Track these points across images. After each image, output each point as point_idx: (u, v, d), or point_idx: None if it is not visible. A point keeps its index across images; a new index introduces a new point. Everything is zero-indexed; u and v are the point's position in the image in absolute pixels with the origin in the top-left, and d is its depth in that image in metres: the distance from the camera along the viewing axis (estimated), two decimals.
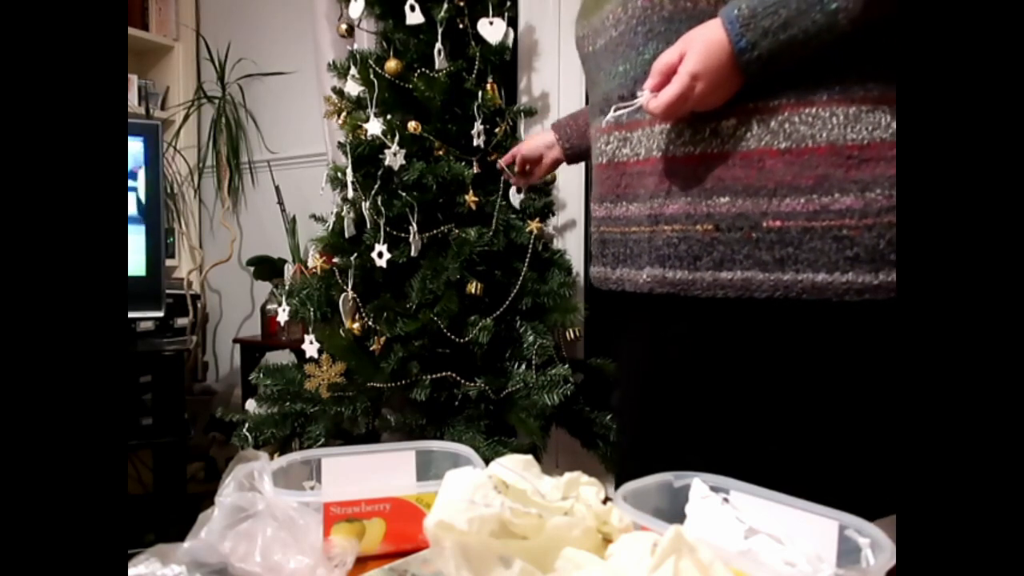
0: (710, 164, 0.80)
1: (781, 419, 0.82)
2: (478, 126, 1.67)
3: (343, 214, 1.68)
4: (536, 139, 1.33)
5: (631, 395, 1.02)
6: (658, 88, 0.78)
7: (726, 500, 0.62)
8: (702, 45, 0.75)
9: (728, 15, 0.74)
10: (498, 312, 1.61)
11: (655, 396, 0.94)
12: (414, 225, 1.60)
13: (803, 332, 0.79)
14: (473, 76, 1.69)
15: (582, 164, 2.01)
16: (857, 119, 0.75)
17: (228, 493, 0.63)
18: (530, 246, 1.67)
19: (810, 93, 0.76)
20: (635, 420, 1.01)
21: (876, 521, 0.55)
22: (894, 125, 0.75)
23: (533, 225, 1.66)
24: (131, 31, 2.70)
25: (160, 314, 1.67)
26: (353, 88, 1.73)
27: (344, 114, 1.73)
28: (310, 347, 1.65)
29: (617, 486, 0.69)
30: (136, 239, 1.61)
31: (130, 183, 1.60)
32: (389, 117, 1.66)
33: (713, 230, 0.80)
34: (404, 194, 1.61)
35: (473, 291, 1.56)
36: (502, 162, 1.43)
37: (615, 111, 0.88)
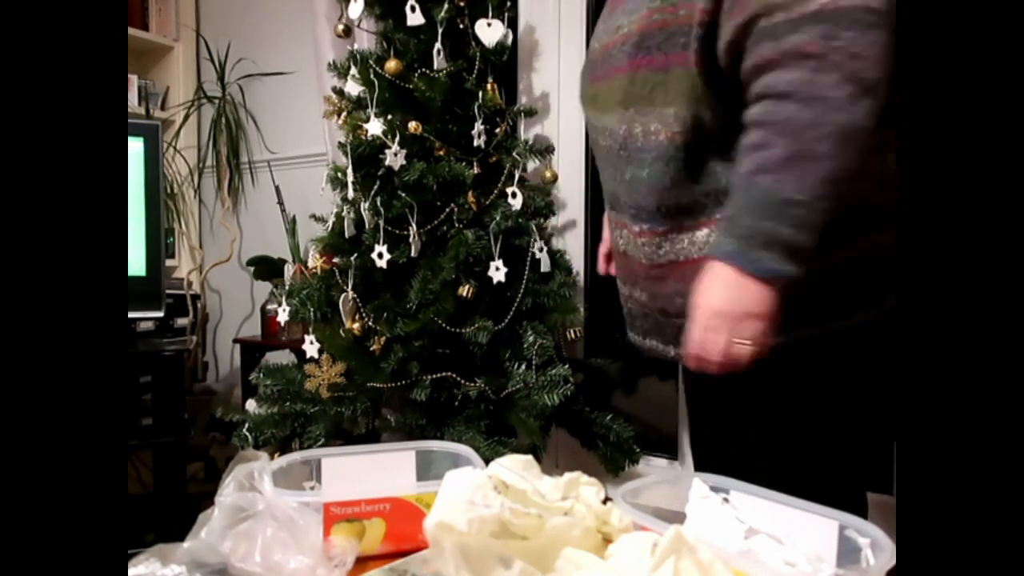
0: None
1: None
2: (478, 126, 1.67)
3: (343, 214, 1.68)
4: None
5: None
6: None
7: (726, 500, 0.62)
8: None
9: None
10: (506, 320, 1.61)
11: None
12: (414, 225, 1.60)
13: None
14: (473, 76, 1.69)
15: (582, 166, 2.03)
16: None
17: (228, 493, 0.63)
18: (540, 247, 1.67)
19: None
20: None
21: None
22: None
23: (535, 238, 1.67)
24: (131, 31, 2.69)
25: (160, 314, 1.67)
26: (353, 88, 1.73)
27: (344, 114, 1.73)
28: (310, 347, 1.65)
29: None
30: (136, 239, 1.61)
31: (130, 183, 1.60)
32: (389, 117, 1.66)
33: None
34: (404, 194, 1.60)
35: (464, 294, 1.56)
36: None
37: None
